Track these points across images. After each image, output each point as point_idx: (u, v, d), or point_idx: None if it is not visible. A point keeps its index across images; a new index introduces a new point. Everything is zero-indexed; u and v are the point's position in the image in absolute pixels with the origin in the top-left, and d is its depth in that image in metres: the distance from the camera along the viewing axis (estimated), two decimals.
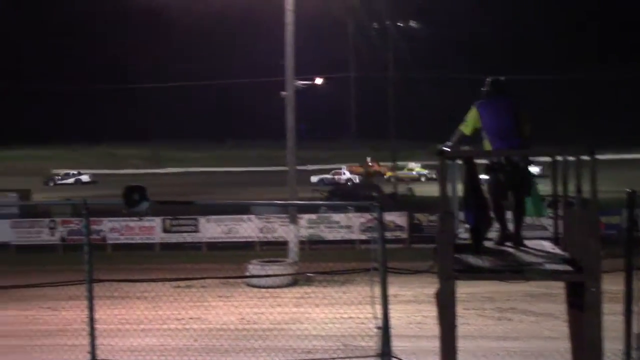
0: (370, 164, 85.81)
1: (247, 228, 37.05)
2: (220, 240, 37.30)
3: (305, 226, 35.81)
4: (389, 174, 77.83)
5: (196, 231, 37.55)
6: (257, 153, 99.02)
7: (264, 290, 24.38)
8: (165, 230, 37.78)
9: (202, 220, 37.38)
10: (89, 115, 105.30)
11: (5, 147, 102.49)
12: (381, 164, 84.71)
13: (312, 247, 35.84)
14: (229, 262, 30.18)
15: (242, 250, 34.77)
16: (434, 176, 75.19)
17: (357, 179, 77.74)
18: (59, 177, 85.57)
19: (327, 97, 79.94)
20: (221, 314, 19.56)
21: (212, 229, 37.30)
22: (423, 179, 79.07)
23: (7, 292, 22.37)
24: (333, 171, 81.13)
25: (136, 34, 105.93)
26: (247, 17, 70.43)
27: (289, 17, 28.78)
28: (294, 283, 25.97)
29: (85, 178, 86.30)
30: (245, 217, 37.34)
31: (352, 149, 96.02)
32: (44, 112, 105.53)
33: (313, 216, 36.69)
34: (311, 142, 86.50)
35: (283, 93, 29.67)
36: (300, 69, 30.57)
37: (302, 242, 31.83)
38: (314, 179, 78.09)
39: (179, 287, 23.25)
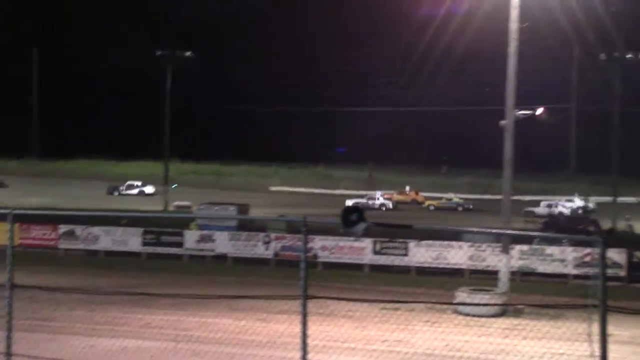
0: (408, 192, 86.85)
1: (457, 255, 36.69)
2: (429, 265, 37.13)
3: (517, 257, 35.01)
4: (427, 202, 79.37)
5: (405, 255, 37.61)
6: (471, 180, 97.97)
7: (470, 318, 24.01)
8: (376, 252, 38.08)
9: (411, 245, 37.40)
10: (309, 136, 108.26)
11: (230, 163, 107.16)
12: (420, 193, 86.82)
13: (523, 278, 34.97)
14: (436, 287, 29.98)
15: (451, 277, 34.46)
16: (471, 207, 77.27)
17: (390, 205, 78.67)
18: (123, 188, 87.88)
19: (547, 127, 78.00)
20: (427, 339, 19.43)
21: (421, 253, 37.23)
22: (460, 208, 78.47)
23: (223, 302, 23.30)
24: (367, 196, 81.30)
25: (353, 58, 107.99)
26: (470, 46, 70.12)
27: (512, 47, 28.37)
28: (502, 313, 25.42)
29: (148, 190, 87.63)
30: (455, 243, 37.00)
31: (570, 181, 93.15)
32: (267, 132, 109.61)
33: (525, 247, 35.81)
34: (528, 173, 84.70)
35: (502, 122, 29.23)
36: (520, 98, 30.02)
37: (512, 273, 31.12)
38: (349, 202, 77.12)
39: (385, 309, 23.32)
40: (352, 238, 37.33)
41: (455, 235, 37.88)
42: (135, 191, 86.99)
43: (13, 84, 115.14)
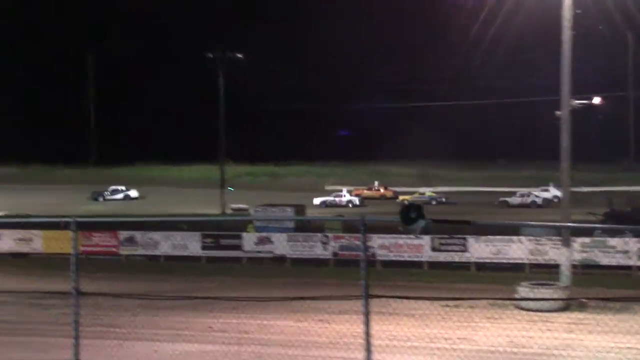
0: (376, 187, 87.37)
1: (517, 249, 36.31)
2: (489, 260, 36.81)
3: (579, 250, 34.48)
4: (401, 197, 78.37)
5: (465, 251, 37.32)
6: (528, 173, 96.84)
7: (533, 313, 23.75)
8: (434, 249, 37.86)
9: (470, 240, 37.08)
10: (361, 134, 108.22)
11: (286, 164, 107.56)
12: (389, 188, 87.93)
13: (585, 271, 34.43)
14: (497, 283, 29.72)
15: (511, 272, 34.11)
16: (444, 200, 78.52)
17: (357, 201, 77.94)
18: (108, 193, 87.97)
19: (604, 116, 76.85)
20: (490, 336, 19.25)
21: (480, 249, 36.90)
22: (434, 202, 78.59)
23: (283, 303, 23.37)
24: (334, 193, 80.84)
25: (420, 55, 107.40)
26: (523, 34, 69.31)
27: (566, 35, 27.97)
28: (565, 308, 25.10)
29: (133, 194, 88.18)
30: (515, 238, 36.59)
31: (630, 171, 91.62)
32: (320, 130, 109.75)
33: (587, 239, 35.26)
34: (586, 164, 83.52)
35: (558, 112, 28.85)
36: (576, 87, 29.56)
37: (574, 266, 30.69)
38: (317, 200, 77.19)
39: (447, 306, 23.17)
40: (410, 236, 37.12)
41: (514, 230, 37.46)
42: (120, 195, 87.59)
43: (70, 90, 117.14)
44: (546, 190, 77.95)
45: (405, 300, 19.80)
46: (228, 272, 36.31)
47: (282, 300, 22.71)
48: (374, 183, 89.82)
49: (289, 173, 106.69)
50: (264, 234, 41.83)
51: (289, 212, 48.88)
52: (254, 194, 78.31)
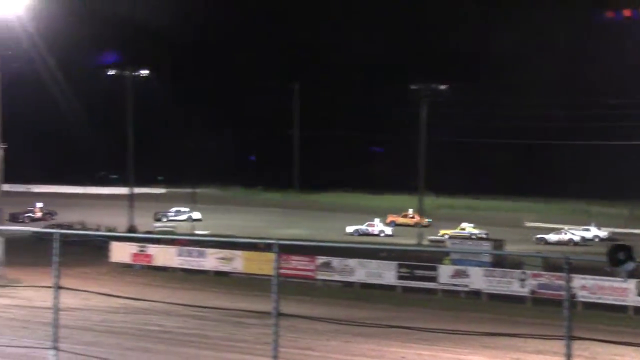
0: (411, 215, 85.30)
1: None
2: None
3: None
4: (442, 232, 75.25)
5: None
6: None
7: None
8: None
9: None
10: (567, 170, 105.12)
11: (485, 197, 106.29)
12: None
13: None
14: None
15: None
16: (484, 235, 74.91)
17: (389, 231, 76.11)
18: (172, 214, 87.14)
19: None
20: None
21: None
22: (474, 237, 73.75)
23: (477, 338, 22.92)
24: (367, 223, 77.52)
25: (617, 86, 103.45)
26: None
27: None
28: None
29: (196, 215, 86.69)
30: None
31: None
32: (523, 166, 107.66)
33: None
34: None
35: None
36: None
37: None
38: (349, 229, 75.71)
39: None
40: (613, 278, 35.48)
41: None
42: (184, 217, 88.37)
43: (276, 118, 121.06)
44: (587, 230, 79.06)
45: (612, 346, 18.95)
46: (423, 303, 36.11)
47: (478, 335, 22.29)
48: (408, 211, 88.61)
49: (488, 207, 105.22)
50: (461, 267, 41.31)
51: (486, 246, 48.14)
52: (452, 227, 77.83)
